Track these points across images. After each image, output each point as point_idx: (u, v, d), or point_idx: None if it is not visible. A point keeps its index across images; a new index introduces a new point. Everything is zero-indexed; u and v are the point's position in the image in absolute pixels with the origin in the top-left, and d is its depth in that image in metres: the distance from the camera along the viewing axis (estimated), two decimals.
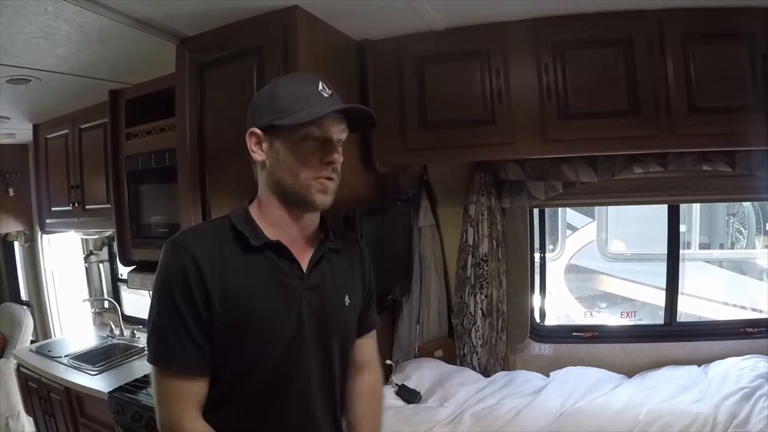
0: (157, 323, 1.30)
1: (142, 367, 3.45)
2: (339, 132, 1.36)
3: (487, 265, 2.80)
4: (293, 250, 1.38)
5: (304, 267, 1.40)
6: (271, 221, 1.39)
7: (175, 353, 1.28)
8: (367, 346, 1.68)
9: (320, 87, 1.34)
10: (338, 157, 1.34)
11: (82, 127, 3.64)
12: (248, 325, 1.31)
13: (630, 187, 2.76)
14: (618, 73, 2.27)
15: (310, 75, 1.43)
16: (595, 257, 5.16)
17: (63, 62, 2.65)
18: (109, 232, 3.96)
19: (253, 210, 1.41)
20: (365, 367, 1.67)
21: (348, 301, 1.50)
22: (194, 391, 1.30)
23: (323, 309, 1.41)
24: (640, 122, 2.25)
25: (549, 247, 3.30)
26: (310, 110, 1.29)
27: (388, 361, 2.72)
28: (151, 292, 1.36)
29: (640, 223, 4.87)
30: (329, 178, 1.35)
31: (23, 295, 5.62)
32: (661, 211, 3.03)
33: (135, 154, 3.09)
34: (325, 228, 1.50)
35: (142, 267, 3.20)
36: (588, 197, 2.95)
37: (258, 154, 1.36)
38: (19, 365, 3.97)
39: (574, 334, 3.02)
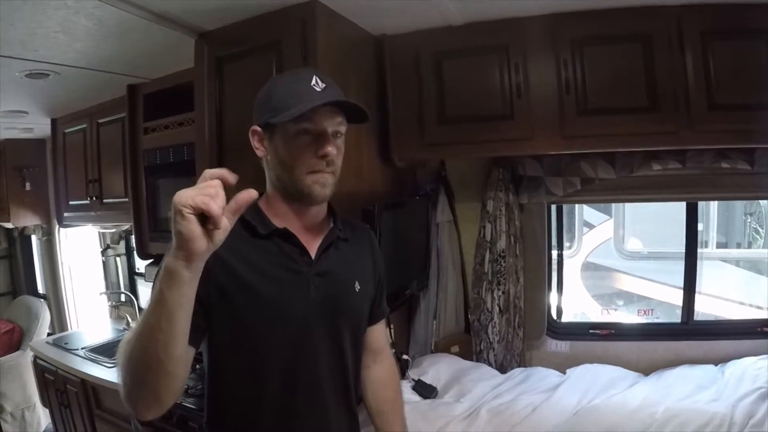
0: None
1: None
2: (334, 125, 1.37)
3: (504, 261, 2.79)
4: (301, 239, 1.41)
5: (313, 254, 1.42)
6: (278, 213, 1.42)
7: None
8: (380, 333, 1.75)
9: (313, 81, 1.35)
10: (332, 150, 1.35)
11: (100, 121, 3.66)
12: (256, 309, 1.34)
13: (648, 184, 2.74)
14: (637, 69, 2.25)
15: (305, 70, 1.46)
16: (611, 255, 5.14)
17: (82, 57, 2.66)
18: (126, 226, 3.98)
19: (263, 202, 1.44)
20: (380, 354, 1.73)
21: (358, 288, 1.52)
22: None
23: (332, 294, 1.44)
24: (658, 118, 2.23)
25: (566, 244, 3.28)
26: (300, 106, 1.31)
27: (405, 356, 2.71)
28: None
29: (656, 221, 4.84)
30: (324, 172, 1.36)
31: (40, 288, 5.69)
32: (678, 209, 3.01)
33: (153, 148, 3.11)
34: (334, 218, 1.52)
35: (160, 260, 3.19)
36: (606, 194, 2.92)
37: (260, 150, 1.41)
38: (35, 357, 4.01)
39: (590, 331, 3.00)
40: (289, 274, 1.38)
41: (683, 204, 2.95)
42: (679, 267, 3.01)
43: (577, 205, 4.27)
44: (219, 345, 1.36)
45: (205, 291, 1.28)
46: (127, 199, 3.35)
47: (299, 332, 1.38)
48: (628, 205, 4.61)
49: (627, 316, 4.68)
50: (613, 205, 4.78)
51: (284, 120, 1.30)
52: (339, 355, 1.47)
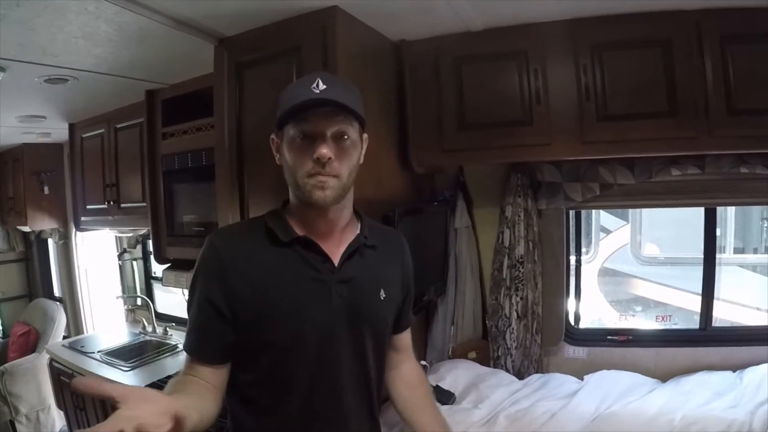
0: (189, 313, 1.41)
1: (174, 364, 3.50)
2: (333, 126, 1.31)
3: (523, 267, 2.78)
4: (324, 246, 1.40)
5: (336, 261, 1.41)
6: (299, 219, 1.41)
7: (188, 338, 1.40)
8: (406, 335, 1.74)
9: (314, 83, 1.30)
10: (325, 152, 1.28)
11: (118, 126, 3.69)
12: (277, 317, 1.34)
13: (667, 189, 2.72)
14: (656, 74, 2.23)
15: (311, 74, 1.40)
16: (628, 260, 5.11)
17: (101, 62, 2.68)
18: (143, 231, 4.01)
19: (286, 209, 1.45)
20: (405, 353, 1.73)
21: (384, 296, 1.50)
22: (202, 373, 1.36)
23: (355, 302, 1.42)
24: (678, 124, 2.22)
25: (582, 249, 3.27)
26: (287, 108, 1.32)
27: (423, 362, 2.70)
28: (186, 291, 1.43)
29: (673, 227, 4.81)
30: (322, 174, 1.31)
31: (56, 292, 5.73)
32: (695, 214, 2.99)
33: (171, 153, 3.14)
34: (361, 223, 1.51)
35: (177, 265, 3.24)
36: (625, 199, 2.90)
37: (277, 158, 1.41)
38: (51, 360, 4.04)
39: (608, 337, 2.98)
40: (310, 281, 1.37)
41: (700, 209, 2.93)
42: (696, 272, 2.99)
43: (594, 211, 4.25)
44: (241, 354, 1.37)
45: (227, 306, 1.32)
46: (144, 204, 3.37)
47: (322, 340, 1.37)
48: (645, 210, 4.59)
49: (645, 322, 4.64)
50: (630, 210, 4.75)
51: (278, 123, 1.34)
52: (362, 362, 1.46)
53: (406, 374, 1.71)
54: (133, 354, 3.78)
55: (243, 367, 1.38)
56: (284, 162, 1.36)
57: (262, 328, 1.34)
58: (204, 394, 1.31)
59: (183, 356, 1.46)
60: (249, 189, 2.40)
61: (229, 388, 1.42)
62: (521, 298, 2.78)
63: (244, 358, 1.37)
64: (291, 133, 1.32)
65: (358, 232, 1.49)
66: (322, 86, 1.30)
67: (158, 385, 3.08)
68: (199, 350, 1.37)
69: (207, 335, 1.35)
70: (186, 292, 1.43)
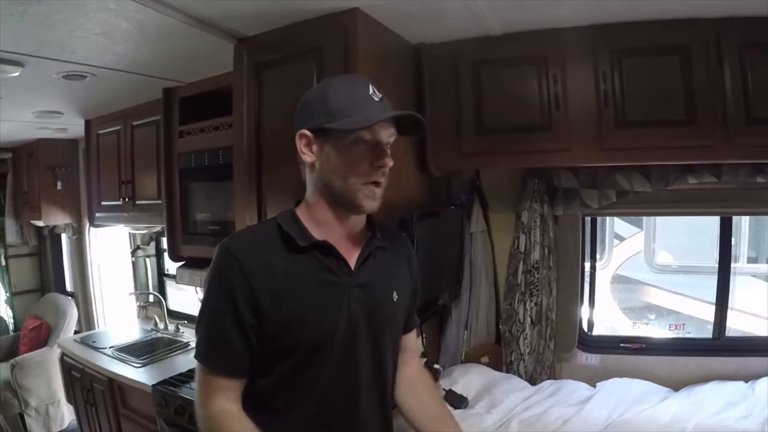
0: (202, 322, 1.38)
1: (185, 361, 3.50)
2: (388, 136, 1.36)
3: (538, 273, 2.77)
4: (340, 249, 1.40)
5: (352, 265, 1.41)
6: (318, 222, 1.40)
7: (210, 354, 1.37)
8: (412, 335, 1.74)
9: (370, 91, 1.34)
10: (389, 161, 1.34)
11: (135, 123, 3.71)
12: (298, 325, 1.33)
13: (683, 197, 2.70)
14: (675, 82, 2.22)
15: (359, 78, 1.43)
16: (641, 268, 5.09)
17: (120, 59, 2.70)
18: (157, 228, 4.02)
19: (301, 211, 1.43)
20: (410, 353, 1.74)
21: (396, 297, 1.52)
22: (225, 385, 1.36)
23: (372, 305, 1.43)
24: (696, 132, 2.21)
25: (596, 256, 3.26)
26: (365, 114, 1.30)
27: (436, 366, 2.70)
28: (199, 289, 1.41)
29: (687, 235, 4.79)
30: (378, 183, 1.35)
31: (69, 286, 5.77)
32: (709, 222, 2.99)
33: (188, 151, 3.15)
34: (372, 226, 1.51)
35: (191, 263, 3.24)
36: (640, 207, 2.88)
37: (308, 156, 1.37)
38: (62, 354, 4.06)
39: (621, 345, 2.97)
40: (329, 287, 1.37)
41: (715, 218, 2.91)
42: (710, 281, 2.97)
43: (608, 218, 4.24)
44: (261, 362, 1.36)
45: (253, 316, 1.31)
46: (160, 201, 3.40)
47: (342, 344, 1.37)
48: (659, 218, 4.57)
49: (658, 331, 4.63)
50: (644, 217, 4.74)
51: (349, 127, 1.29)
52: (379, 364, 1.47)
53: (408, 374, 1.69)
54: (145, 350, 3.80)
55: (261, 374, 1.37)
56: (326, 163, 1.34)
57: (285, 335, 1.33)
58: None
59: (193, 354, 1.42)
60: (267, 188, 2.40)
61: (244, 394, 1.41)
62: (535, 304, 2.77)
63: (263, 365, 1.36)
64: (347, 137, 1.31)
65: (370, 234, 1.49)
66: (378, 94, 1.35)
67: (169, 382, 3.09)
68: (229, 366, 1.35)
69: (233, 346, 1.32)
70: (200, 290, 1.41)
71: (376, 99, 1.34)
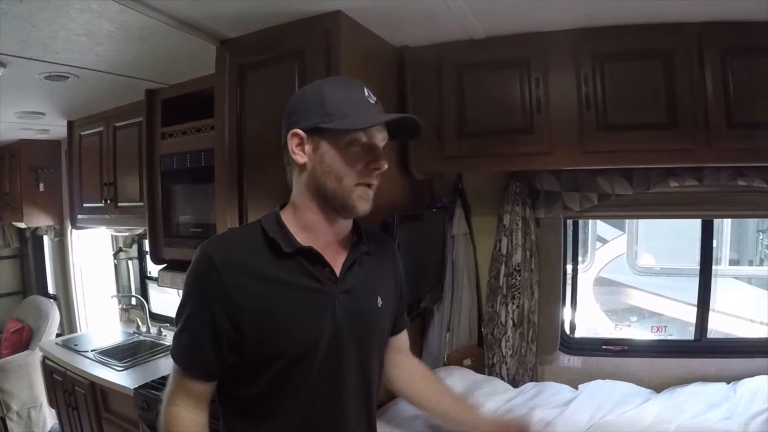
0: (178, 322, 1.38)
1: (168, 364, 3.44)
2: (382, 139, 1.37)
3: (519, 275, 2.77)
4: (326, 255, 1.38)
5: (338, 271, 1.40)
6: (305, 225, 1.39)
7: (181, 355, 1.38)
8: (404, 335, 1.78)
9: (366, 93, 1.34)
10: (384, 164, 1.34)
11: (117, 125, 3.69)
12: (281, 334, 1.32)
13: (664, 200, 2.72)
14: (657, 86, 2.24)
15: (354, 80, 1.42)
16: (624, 270, 5.13)
17: (102, 60, 2.69)
18: (139, 230, 4.01)
19: (286, 214, 1.41)
20: (405, 353, 1.78)
21: (381, 303, 1.51)
22: (190, 386, 1.38)
23: (357, 311, 1.42)
24: (677, 135, 2.22)
25: (579, 258, 3.27)
26: (363, 116, 1.30)
27: None
28: (181, 291, 1.40)
29: (669, 237, 4.83)
30: (371, 185, 1.35)
31: (50, 289, 5.74)
32: (691, 225, 3.00)
33: (170, 153, 3.13)
34: (358, 231, 1.50)
35: (173, 266, 3.23)
36: (622, 210, 2.90)
37: (300, 156, 1.34)
38: (44, 357, 4.03)
39: (603, 347, 2.98)
40: (313, 294, 1.35)
41: (697, 220, 2.93)
42: (692, 283, 2.99)
43: (591, 220, 4.26)
44: (245, 369, 1.35)
45: (231, 323, 1.29)
46: (141, 203, 3.38)
47: (328, 351, 1.36)
48: (641, 220, 4.61)
49: (640, 333, 4.66)
50: (627, 220, 4.77)
51: (348, 127, 1.29)
52: (365, 370, 1.46)
53: (413, 371, 1.74)
54: (127, 354, 3.78)
55: (245, 381, 1.36)
56: (320, 164, 1.33)
57: (270, 343, 1.31)
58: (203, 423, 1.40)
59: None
60: (248, 191, 2.39)
61: (227, 400, 1.42)
62: (517, 306, 2.78)
63: (247, 372, 1.35)
64: (343, 138, 1.30)
65: (356, 239, 1.48)
66: (373, 97, 1.36)
67: (151, 385, 3.08)
68: (195, 367, 1.36)
69: (203, 352, 1.32)
70: (181, 292, 1.41)
71: (372, 101, 1.34)
